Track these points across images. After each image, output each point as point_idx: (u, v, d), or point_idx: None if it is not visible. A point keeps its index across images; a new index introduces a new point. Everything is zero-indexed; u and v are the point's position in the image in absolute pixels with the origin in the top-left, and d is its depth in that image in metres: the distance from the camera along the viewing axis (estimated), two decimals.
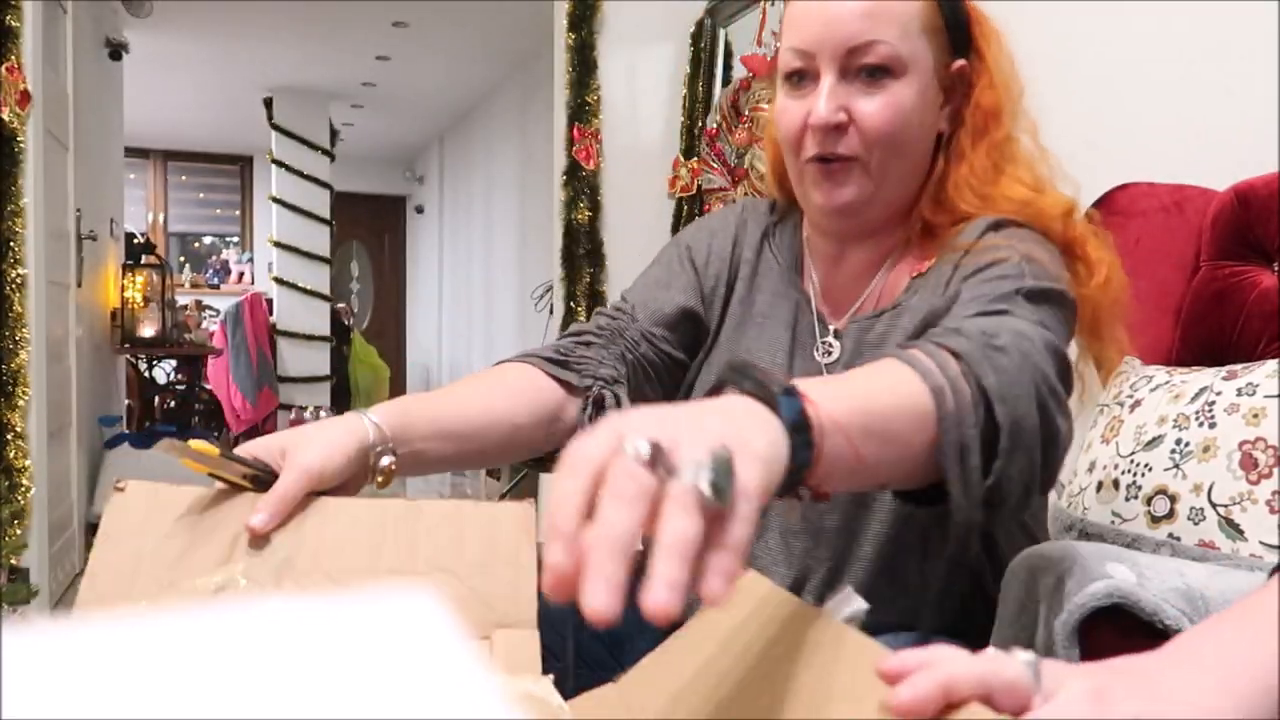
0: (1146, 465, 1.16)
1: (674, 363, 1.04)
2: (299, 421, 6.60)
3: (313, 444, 0.77)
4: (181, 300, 5.79)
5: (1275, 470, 1.05)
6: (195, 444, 0.74)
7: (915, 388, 0.66)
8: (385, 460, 0.81)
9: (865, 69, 0.91)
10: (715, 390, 0.57)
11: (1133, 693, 0.44)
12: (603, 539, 0.42)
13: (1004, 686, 0.44)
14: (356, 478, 0.80)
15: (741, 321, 1.04)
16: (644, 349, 1.02)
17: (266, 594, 0.71)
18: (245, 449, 0.78)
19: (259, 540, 0.72)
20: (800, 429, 0.55)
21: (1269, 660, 0.45)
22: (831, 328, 1.00)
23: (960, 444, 0.66)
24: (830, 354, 0.98)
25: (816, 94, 0.92)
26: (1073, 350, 0.94)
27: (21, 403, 2.73)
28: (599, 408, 0.96)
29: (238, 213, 8.91)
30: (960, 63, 0.95)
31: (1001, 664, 0.45)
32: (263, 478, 0.76)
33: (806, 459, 0.55)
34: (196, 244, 9.00)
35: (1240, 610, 0.50)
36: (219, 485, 0.76)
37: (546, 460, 0.92)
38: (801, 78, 0.94)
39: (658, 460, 0.44)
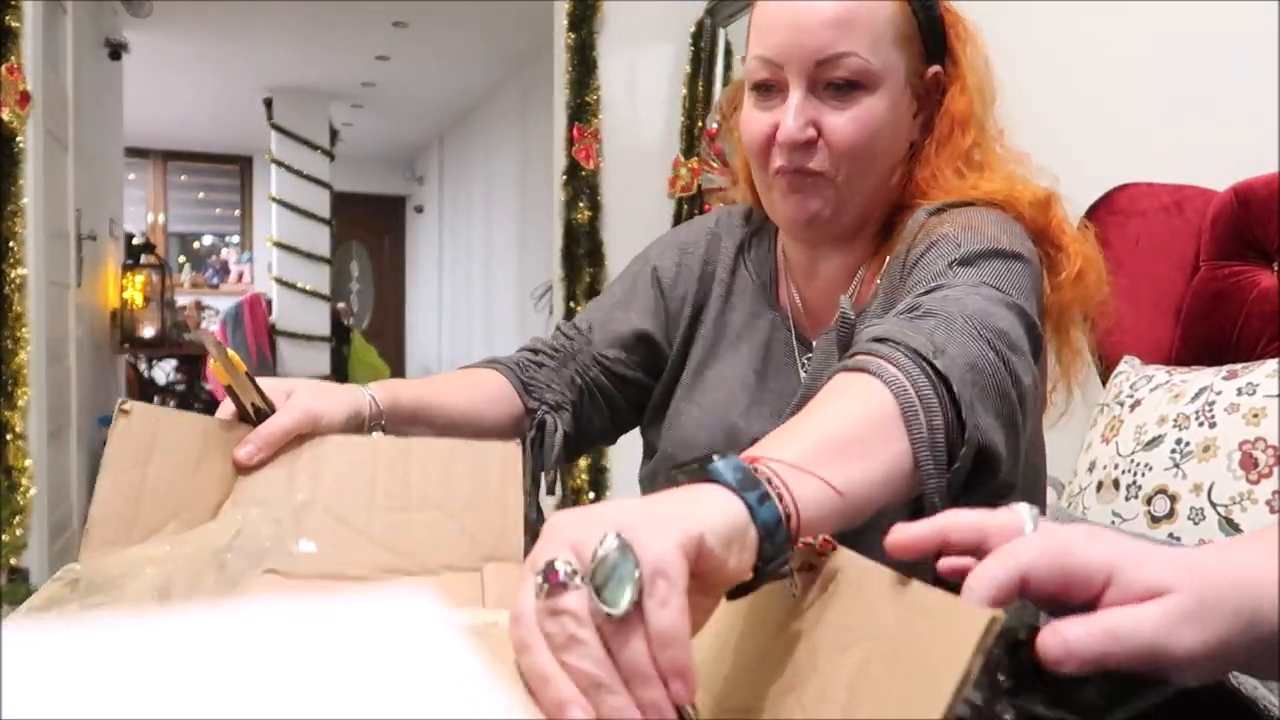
0: (1147, 465, 1.16)
1: (628, 382, 1.06)
2: None
3: (318, 393, 0.83)
4: (181, 300, 5.80)
5: (1275, 470, 1.05)
6: (231, 354, 0.78)
7: (863, 389, 0.63)
8: (375, 434, 0.86)
9: (835, 83, 0.88)
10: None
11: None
12: (568, 702, 0.41)
13: (997, 528, 0.47)
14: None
15: (714, 344, 1.02)
16: (594, 373, 1.05)
17: (266, 532, 0.74)
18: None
19: (256, 473, 0.77)
20: (749, 485, 0.50)
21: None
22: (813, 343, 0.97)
23: (924, 409, 0.63)
24: (807, 366, 0.95)
25: (784, 107, 0.89)
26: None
27: (21, 403, 2.73)
28: (540, 430, 1.00)
29: (237, 213, 8.91)
30: (935, 69, 0.93)
31: (999, 513, 0.48)
32: (265, 412, 0.80)
33: (773, 512, 0.49)
34: (196, 244, 9.00)
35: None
36: (219, 416, 0.81)
37: None
38: (769, 89, 0.91)
39: (563, 588, 0.43)
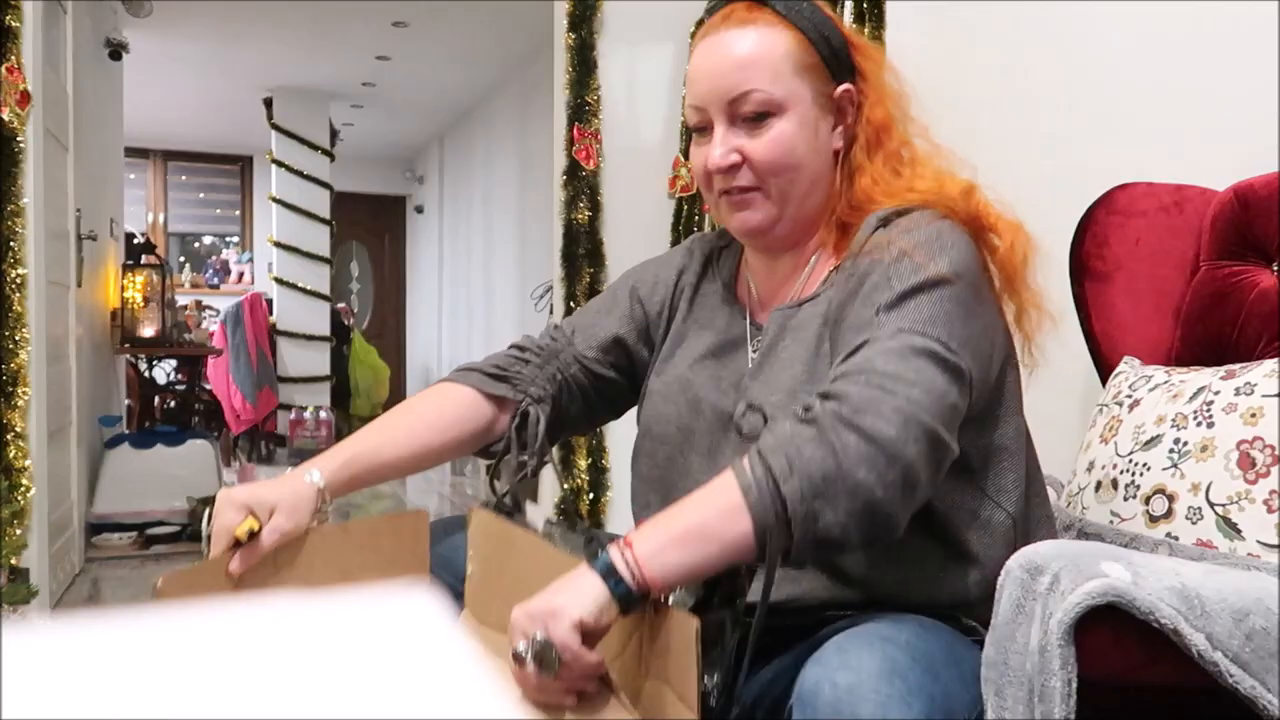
0: (1145, 465, 1.16)
1: (603, 380, 1.21)
2: (299, 422, 6.62)
3: (283, 511, 1.03)
4: (181, 300, 5.79)
5: (1273, 469, 1.05)
6: (240, 530, 1.01)
7: (724, 488, 0.85)
8: (323, 513, 1.08)
9: (747, 115, 1.04)
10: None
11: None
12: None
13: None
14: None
15: (682, 335, 1.17)
16: (574, 370, 1.19)
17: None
18: (241, 501, 1.02)
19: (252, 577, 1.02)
20: (610, 573, 0.82)
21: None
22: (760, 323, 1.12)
23: (764, 521, 0.82)
24: (759, 344, 1.09)
25: (713, 142, 1.05)
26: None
27: (21, 403, 2.73)
28: (523, 420, 1.15)
29: (238, 213, 8.91)
30: (844, 88, 1.07)
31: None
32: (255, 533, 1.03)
33: (626, 590, 0.82)
34: (196, 244, 9.00)
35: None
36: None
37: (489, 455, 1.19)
38: (702, 130, 1.07)
39: (523, 663, 0.81)
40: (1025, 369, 1.05)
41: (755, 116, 1.04)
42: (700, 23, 1.14)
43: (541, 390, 1.17)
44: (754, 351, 1.10)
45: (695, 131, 1.09)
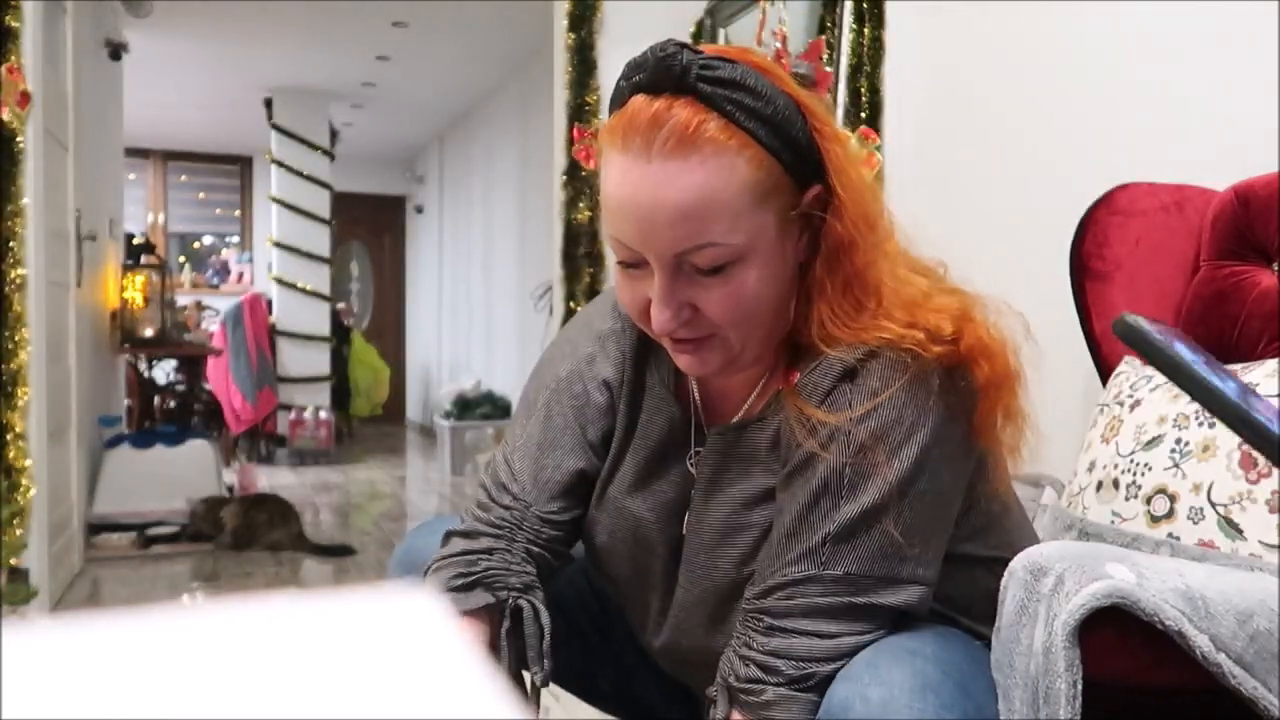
0: (1146, 465, 1.16)
1: (578, 522, 1.03)
2: (299, 422, 6.61)
3: None
4: (181, 300, 5.79)
5: (1274, 470, 1.05)
6: None
7: None
8: None
9: (699, 267, 0.83)
10: None
11: None
12: None
13: None
14: None
15: (622, 447, 1.01)
16: (546, 533, 0.99)
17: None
18: None
19: None
20: None
21: None
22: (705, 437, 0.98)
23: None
24: (701, 469, 0.96)
25: (652, 285, 0.84)
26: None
27: (21, 403, 2.73)
28: (516, 619, 0.95)
29: (237, 213, 8.91)
30: (814, 190, 0.86)
31: None
32: None
33: None
34: (196, 244, 9.00)
35: None
36: None
37: None
38: (633, 265, 0.86)
39: None
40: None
41: (710, 270, 0.83)
42: (615, 99, 0.87)
43: (523, 578, 0.96)
44: (694, 468, 0.97)
45: (622, 264, 0.87)
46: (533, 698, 1.00)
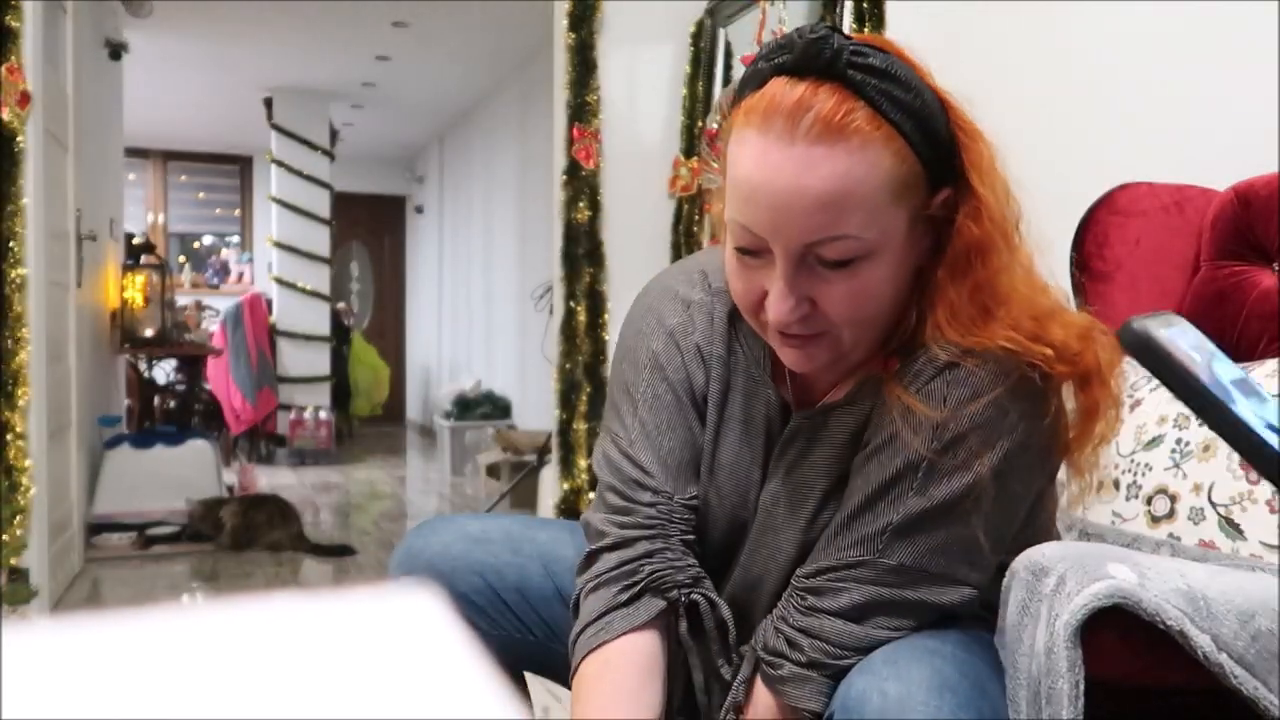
0: (1147, 465, 1.16)
1: None
2: (299, 422, 6.61)
3: None
4: (181, 300, 5.79)
5: None
6: None
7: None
8: None
9: (827, 260, 0.80)
10: None
11: None
12: None
13: None
14: None
15: (719, 429, 0.97)
16: (692, 521, 0.96)
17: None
18: None
19: None
20: None
21: None
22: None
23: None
24: (784, 450, 0.94)
25: (772, 275, 0.82)
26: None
27: (21, 403, 2.73)
28: (693, 614, 0.92)
29: (237, 213, 8.91)
30: (944, 193, 0.83)
31: None
32: None
33: None
34: (196, 244, 9.00)
35: None
36: None
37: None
38: (753, 253, 0.83)
39: None
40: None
41: (836, 263, 0.80)
42: (751, 79, 0.83)
43: (690, 571, 0.93)
44: (777, 453, 0.95)
45: (741, 251, 0.84)
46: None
